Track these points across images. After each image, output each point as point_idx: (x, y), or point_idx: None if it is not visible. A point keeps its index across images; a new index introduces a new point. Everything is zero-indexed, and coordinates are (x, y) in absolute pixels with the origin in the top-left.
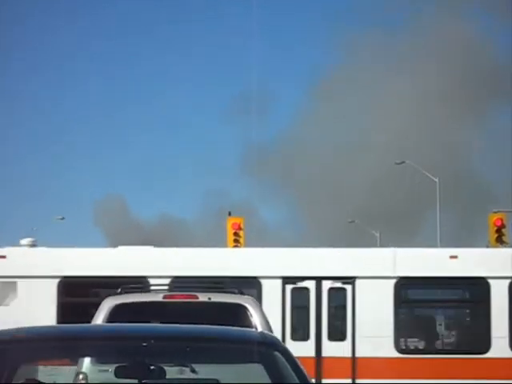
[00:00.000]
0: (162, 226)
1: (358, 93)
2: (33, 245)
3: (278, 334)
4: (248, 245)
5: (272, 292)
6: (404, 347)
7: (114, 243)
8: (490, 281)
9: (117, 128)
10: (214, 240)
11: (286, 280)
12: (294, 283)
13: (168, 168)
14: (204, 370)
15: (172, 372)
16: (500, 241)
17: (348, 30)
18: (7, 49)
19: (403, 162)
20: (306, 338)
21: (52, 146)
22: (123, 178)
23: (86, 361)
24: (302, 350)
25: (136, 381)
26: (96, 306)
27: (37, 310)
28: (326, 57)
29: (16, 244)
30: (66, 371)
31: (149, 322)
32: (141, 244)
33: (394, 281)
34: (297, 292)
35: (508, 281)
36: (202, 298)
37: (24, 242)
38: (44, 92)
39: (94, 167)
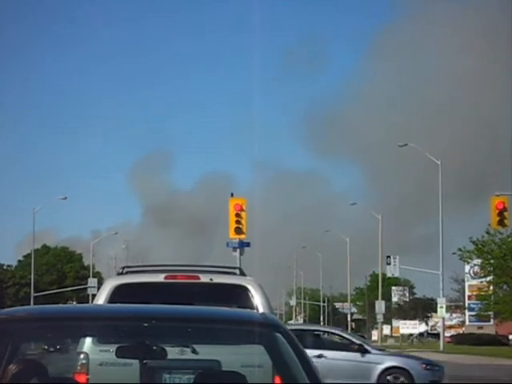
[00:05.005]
0: (205, 190)
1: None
2: None
3: None
4: (250, 225)
5: None
6: None
7: (150, 207)
8: None
9: (168, 99)
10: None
11: None
12: None
13: (218, 134)
14: (205, 351)
15: (173, 352)
16: (502, 224)
17: None
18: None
19: (406, 145)
20: None
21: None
22: (173, 139)
23: (87, 341)
24: None
25: (137, 361)
26: None
27: None
28: (381, 17)
29: None
30: None
31: (150, 302)
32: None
33: None
34: None
35: None
36: (204, 278)
37: None
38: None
39: (143, 127)
